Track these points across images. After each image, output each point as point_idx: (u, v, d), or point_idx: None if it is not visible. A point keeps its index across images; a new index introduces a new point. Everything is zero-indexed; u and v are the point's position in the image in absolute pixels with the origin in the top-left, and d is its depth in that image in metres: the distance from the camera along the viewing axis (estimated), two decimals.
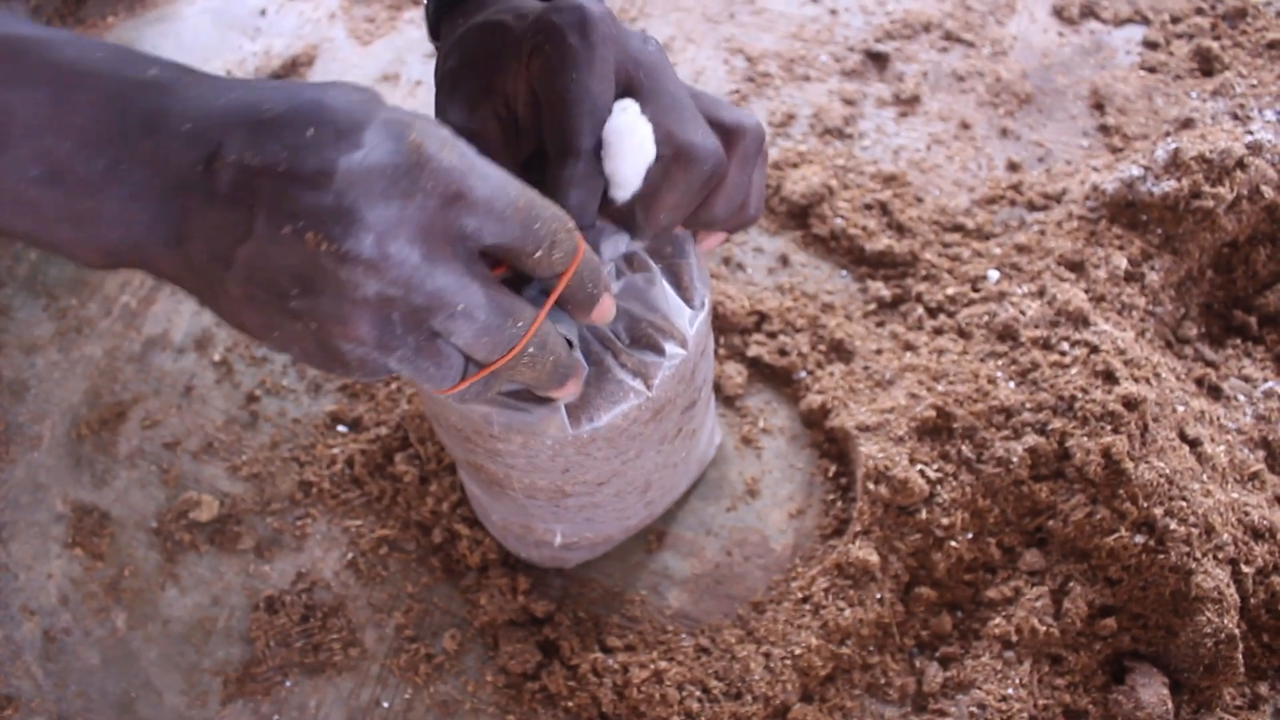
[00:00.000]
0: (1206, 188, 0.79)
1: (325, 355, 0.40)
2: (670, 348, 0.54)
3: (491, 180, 0.39)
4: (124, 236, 0.38)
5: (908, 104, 0.94)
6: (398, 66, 1.00)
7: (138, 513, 0.79)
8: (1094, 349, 0.74)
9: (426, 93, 0.99)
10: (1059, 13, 0.99)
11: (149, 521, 0.79)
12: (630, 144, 0.46)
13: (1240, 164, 0.79)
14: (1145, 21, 0.98)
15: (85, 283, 0.89)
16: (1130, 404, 0.71)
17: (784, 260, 0.87)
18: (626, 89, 0.48)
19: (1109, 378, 0.73)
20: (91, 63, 0.37)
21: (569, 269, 0.44)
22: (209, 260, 0.38)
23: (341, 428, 0.81)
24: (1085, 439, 0.71)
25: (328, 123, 0.36)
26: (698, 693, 0.69)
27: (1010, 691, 0.69)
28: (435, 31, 0.57)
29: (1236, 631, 0.67)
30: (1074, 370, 0.74)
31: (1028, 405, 0.74)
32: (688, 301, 0.56)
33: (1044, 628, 0.69)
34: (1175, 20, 0.98)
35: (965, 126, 0.93)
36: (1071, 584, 0.71)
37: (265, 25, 1.05)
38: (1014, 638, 0.70)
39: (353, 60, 1.01)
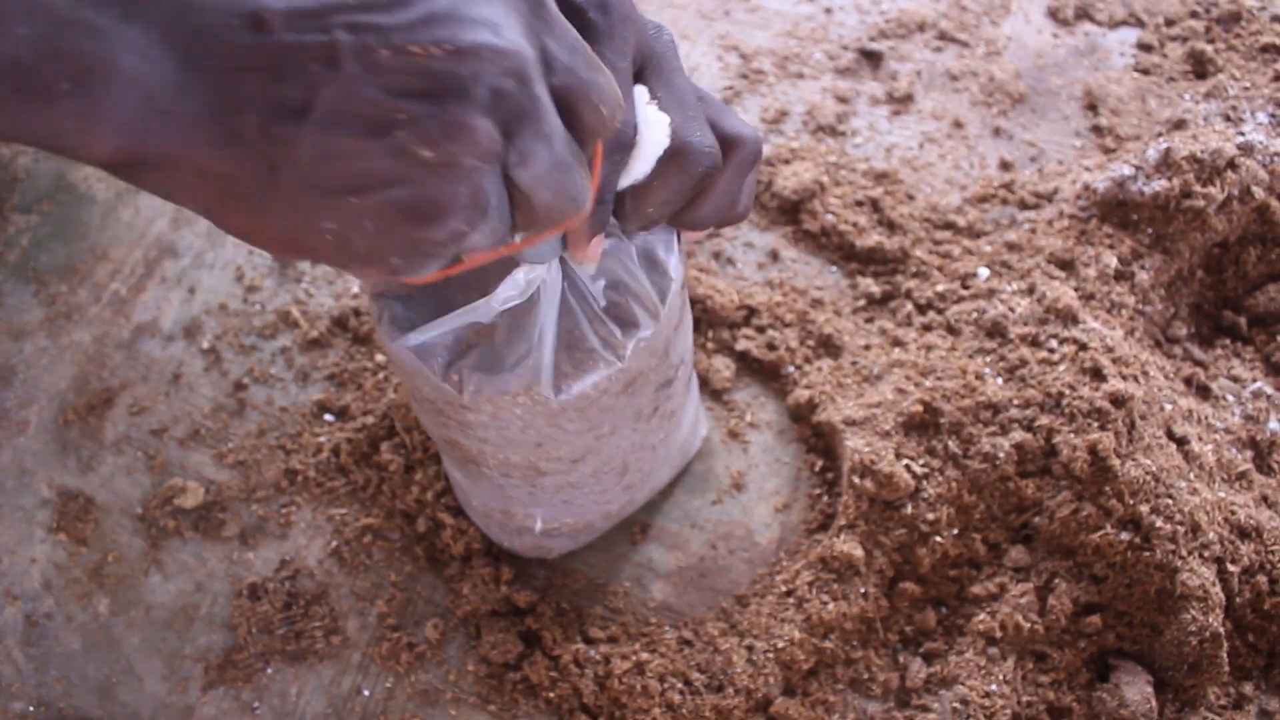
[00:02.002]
0: (1197, 188, 0.79)
1: (425, 205, 0.36)
2: (643, 319, 0.54)
3: (568, 29, 0.39)
4: (141, 111, 0.33)
5: (901, 102, 0.95)
6: None
7: (123, 499, 0.79)
8: (1082, 346, 0.74)
9: None
10: (1054, 14, 0.99)
11: (134, 508, 0.78)
12: (653, 136, 0.47)
13: (1231, 164, 0.79)
14: (1140, 24, 0.98)
15: (75, 269, 0.89)
16: (1118, 401, 0.71)
17: (774, 255, 0.87)
18: (637, 75, 0.48)
19: (1097, 375, 0.73)
20: None
21: (611, 135, 0.43)
22: (265, 126, 0.34)
23: (328, 416, 0.81)
24: (1072, 435, 0.71)
25: None
26: (679, 685, 0.69)
27: (994, 688, 0.68)
28: None
29: (1221, 630, 0.67)
30: (1062, 367, 0.74)
31: (1015, 401, 0.73)
32: (661, 274, 0.56)
33: (1028, 624, 0.69)
34: (1170, 23, 0.98)
35: (958, 125, 0.93)
36: (1057, 581, 0.70)
37: None
38: (998, 634, 0.70)
39: None
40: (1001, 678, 0.69)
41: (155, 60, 0.32)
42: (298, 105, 0.33)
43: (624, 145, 0.47)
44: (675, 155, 0.48)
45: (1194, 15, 0.97)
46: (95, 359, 0.85)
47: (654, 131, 0.47)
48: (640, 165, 0.47)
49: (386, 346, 0.56)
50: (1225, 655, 0.67)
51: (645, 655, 0.71)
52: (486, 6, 0.35)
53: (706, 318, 0.83)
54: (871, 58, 0.97)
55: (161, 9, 0.32)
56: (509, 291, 0.52)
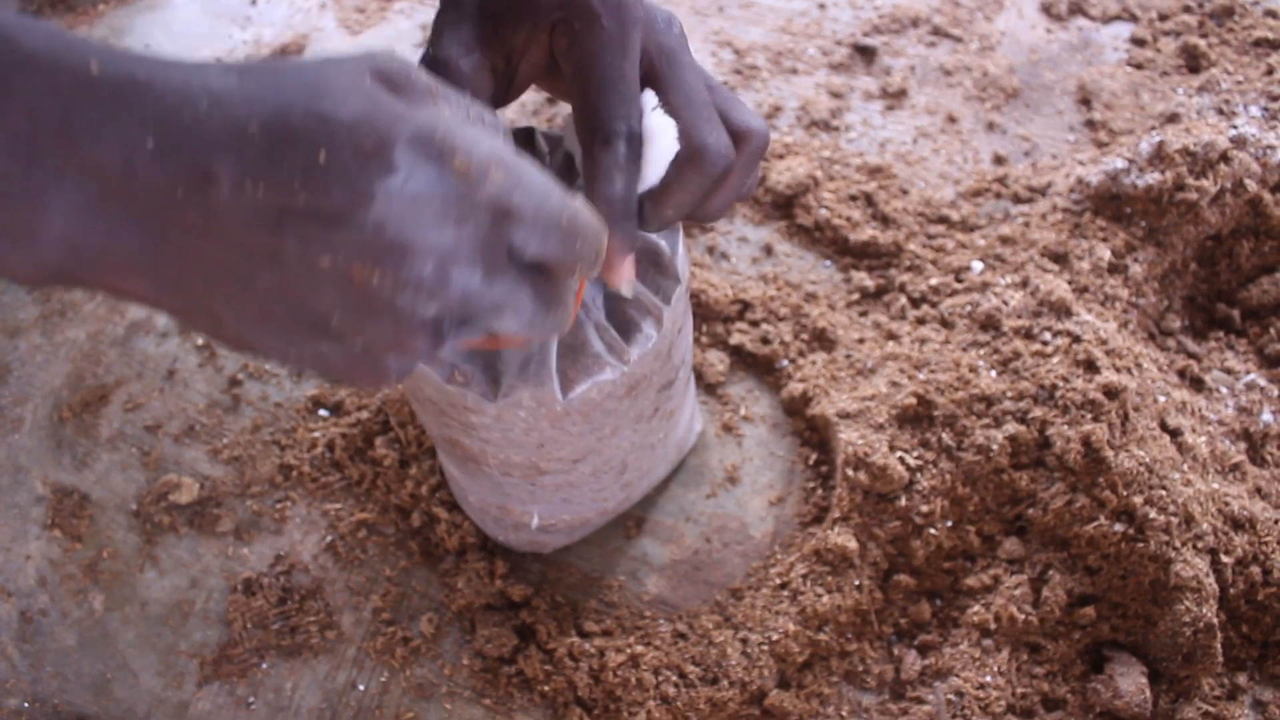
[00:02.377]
0: (1190, 180, 0.79)
1: (363, 370, 0.37)
2: (647, 324, 0.54)
3: (537, 193, 0.37)
4: (69, 257, 0.33)
5: (895, 98, 0.95)
6: None
7: (118, 495, 0.79)
8: (1076, 339, 0.74)
9: None
10: (1047, 9, 1.00)
11: (129, 504, 0.78)
12: (660, 145, 0.47)
13: (1224, 157, 0.80)
14: (1133, 19, 0.98)
15: None
16: (1111, 393, 0.71)
17: (768, 250, 0.87)
18: (647, 75, 0.48)
19: (1090, 367, 0.73)
20: (22, 54, 0.31)
21: (594, 271, 0.43)
22: (207, 287, 0.34)
23: (323, 412, 0.81)
24: (1066, 427, 0.71)
25: (343, 143, 0.32)
26: (674, 678, 0.69)
27: (988, 679, 0.68)
28: None
29: (1215, 621, 0.67)
30: (1055, 359, 0.74)
31: (1009, 394, 0.74)
32: (668, 276, 0.56)
33: (1023, 616, 0.69)
34: (1163, 18, 0.98)
35: (952, 120, 0.93)
36: (1051, 572, 0.70)
37: (256, 14, 1.05)
38: (993, 626, 0.70)
39: (342, 50, 1.01)
40: (996, 669, 0.69)
41: (89, 219, 0.32)
42: (237, 281, 0.34)
43: (634, 156, 0.47)
44: (692, 158, 0.48)
45: (1187, 10, 0.98)
46: (90, 356, 0.85)
47: (662, 137, 0.47)
48: (653, 171, 0.47)
49: None
50: (1219, 646, 0.67)
51: (640, 648, 0.71)
52: (440, 233, 0.34)
53: (701, 312, 0.83)
54: (865, 53, 0.97)
55: (101, 163, 0.31)
56: None
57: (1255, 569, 0.70)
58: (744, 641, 0.70)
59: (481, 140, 0.35)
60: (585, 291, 0.54)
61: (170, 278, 0.34)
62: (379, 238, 0.33)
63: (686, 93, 0.48)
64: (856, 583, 0.71)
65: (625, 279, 0.49)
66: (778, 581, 0.73)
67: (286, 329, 0.35)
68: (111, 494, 0.79)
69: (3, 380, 0.84)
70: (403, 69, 0.36)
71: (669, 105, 0.47)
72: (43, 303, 0.87)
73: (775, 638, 0.70)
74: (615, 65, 0.45)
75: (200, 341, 0.85)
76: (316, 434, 0.80)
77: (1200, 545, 0.68)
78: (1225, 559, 0.69)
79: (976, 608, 0.70)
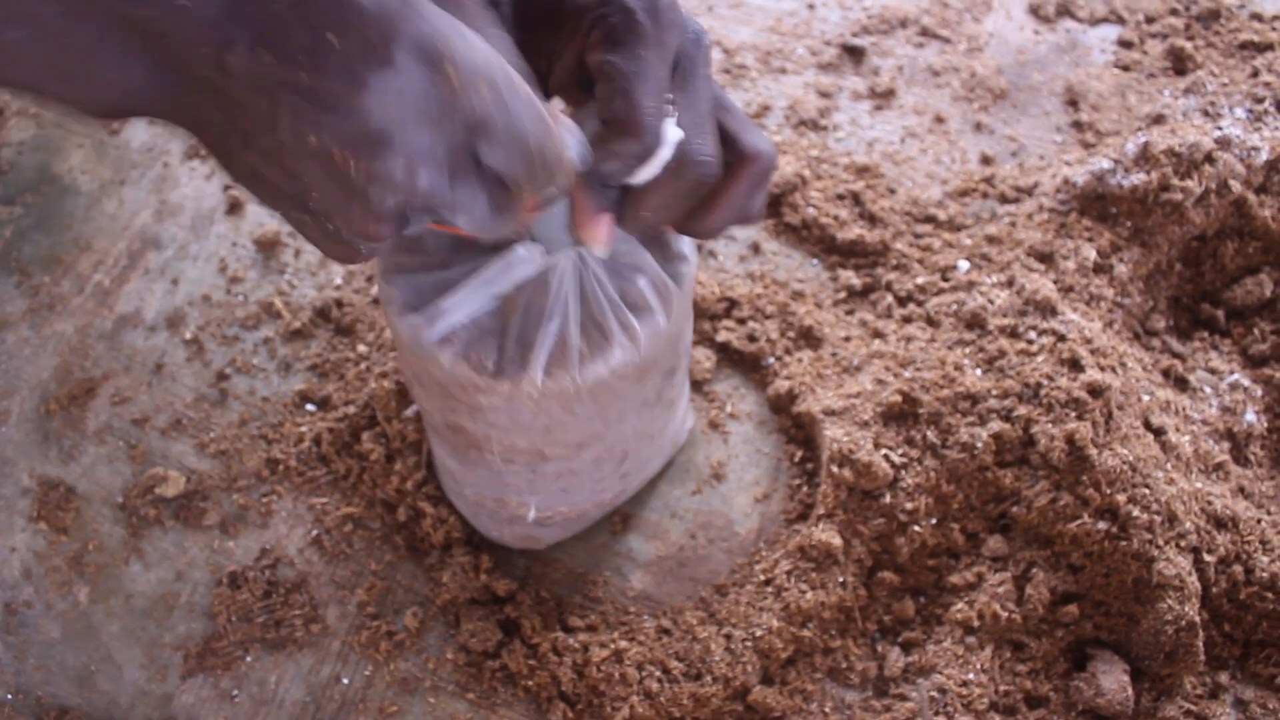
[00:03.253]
0: (1175, 181, 0.79)
1: (336, 249, 0.40)
2: (658, 306, 0.55)
3: (514, 117, 0.39)
4: (124, 96, 0.37)
5: (883, 98, 0.95)
6: None
7: (104, 488, 0.79)
8: (1061, 338, 0.75)
9: None
10: (1035, 11, 1.00)
11: (115, 497, 0.78)
12: (660, 153, 0.48)
13: (1209, 158, 0.80)
14: (1120, 21, 0.99)
15: (59, 260, 0.89)
16: (1095, 391, 0.71)
17: (755, 248, 0.87)
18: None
19: (1075, 365, 0.73)
20: None
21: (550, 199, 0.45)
22: (223, 134, 0.37)
23: (310, 406, 0.81)
24: (1050, 425, 0.71)
25: (353, 30, 0.34)
26: (658, 673, 0.69)
27: (971, 677, 0.69)
28: None
29: (1197, 619, 0.67)
30: (1040, 358, 0.74)
31: (994, 392, 0.74)
32: (678, 260, 0.56)
33: (1006, 614, 0.70)
34: (1150, 20, 0.98)
35: (940, 120, 0.94)
36: (1034, 570, 0.71)
37: None
38: (976, 623, 0.70)
39: None
40: (979, 667, 0.69)
41: (132, 66, 0.36)
42: (242, 136, 0.37)
43: (643, 156, 0.47)
44: (675, 164, 0.48)
45: (1174, 13, 0.98)
46: (78, 349, 0.85)
47: (665, 147, 0.48)
48: (646, 170, 0.48)
49: (397, 328, 0.56)
50: (1201, 644, 0.67)
51: (624, 644, 0.71)
52: (418, 133, 0.36)
53: None
54: (854, 53, 0.98)
55: (139, 19, 0.35)
56: (519, 265, 0.52)
57: (1238, 568, 0.70)
58: (728, 637, 0.70)
59: (475, 55, 0.37)
60: (601, 272, 0.55)
61: (198, 120, 0.38)
62: (362, 127, 0.35)
63: (688, 100, 0.48)
64: (840, 579, 0.71)
65: (598, 240, 0.50)
66: (762, 578, 0.73)
67: (275, 192, 0.39)
68: (97, 487, 0.79)
69: None
70: None
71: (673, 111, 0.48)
72: (31, 296, 0.87)
73: (759, 634, 0.70)
74: (647, 60, 0.46)
75: (188, 336, 0.85)
76: (303, 428, 0.80)
77: (1183, 544, 0.69)
78: (1208, 558, 0.69)
79: (960, 605, 0.71)
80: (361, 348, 0.83)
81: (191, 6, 0.34)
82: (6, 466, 0.80)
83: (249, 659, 0.72)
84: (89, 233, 0.90)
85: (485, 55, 0.38)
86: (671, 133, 0.47)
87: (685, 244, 0.57)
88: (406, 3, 0.36)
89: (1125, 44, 0.97)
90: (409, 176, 0.36)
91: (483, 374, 0.54)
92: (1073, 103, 0.94)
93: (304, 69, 0.34)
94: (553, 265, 0.54)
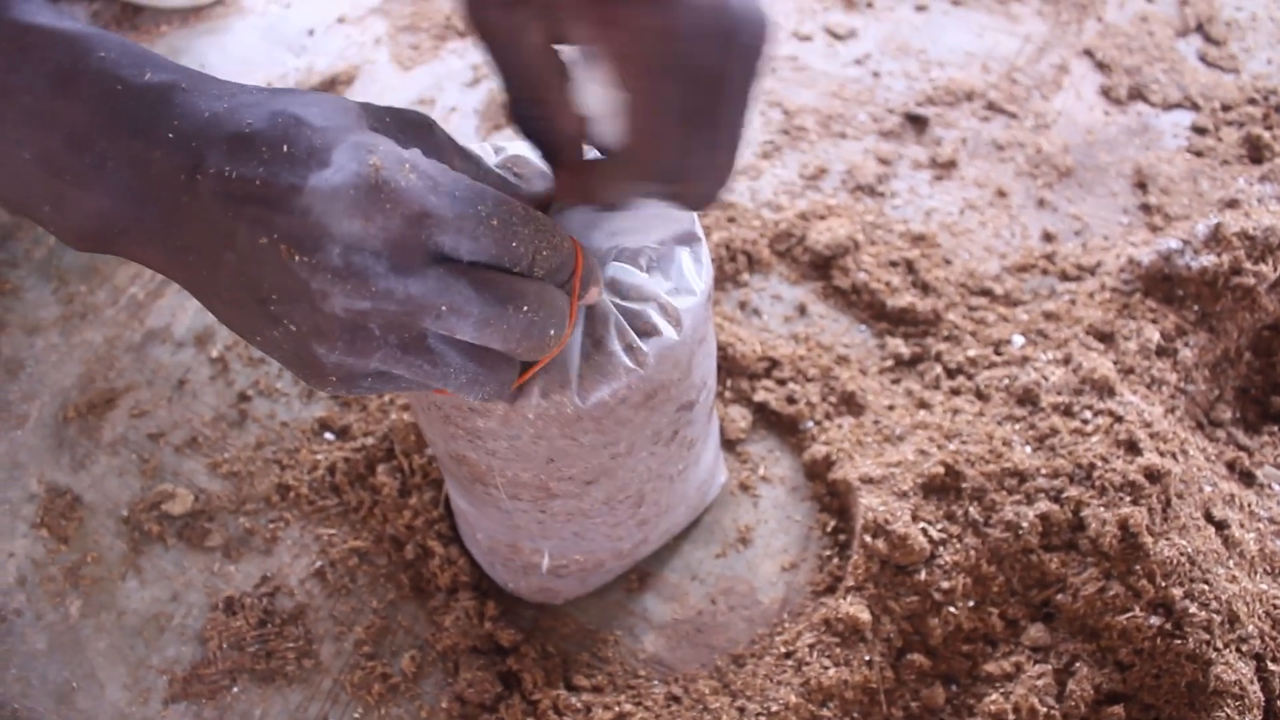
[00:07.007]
0: (1248, 265, 0.75)
1: (303, 362, 0.41)
2: (665, 327, 0.52)
3: (459, 199, 0.39)
4: (104, 227, 0.40)
5: (944, 168, 0.92)
6: (435, 93, 1.01)
7: (110, 500, 0.77)
8: (1118, 419, 0.70)
9: (460, 119, 0.98)
10: (1106, 93, 0.97)
11: (120, 510, 0.76)
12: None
13: None
14: (1195, 107, 0.96)
15: (97, 270, 0.88)
16: (1153, 476, 0.66)
17: (802, 310, 0.84)
18: None
19: (1132, 448, 0.68)
20: (94, 61, 0.39)
21: (577, 272, 0.44)
22: (197, 260, 0.40)
23: (328, 434, 0.79)
24: (1102, 509, 0.66)
25: (303, 139, 0.38)
26: None
27: None
28: None
29: None
30: (1095, 439, 0.70)
31: (1043, 470, 0.69)
32: (686, 283, 0.54)
33: (1045, 709, 0.64)
34: (1226, 108, 0.95)
35: (1001, 194, 0.91)
36: (1078, 664, 0.65)
37: (312, 44, 1.06)
38: (1011, 717, 0.64)
39: (391, 83, 1.01)
40: None
41: (119, 196, 0.39)
42: (211, 257, 0.39)
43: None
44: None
45: (1252, 101, 0.95)
46: (104, 359, 0.83)
47: None
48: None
49: None
50: None
51: (629, 708, 0.66)
52: (350, 223, 0.37)
53: (726, 365, 0.80)
54: (917, 122, 0.96)
55: (133, 152, 0.38)
56: None
57: None
58: (741, 710, 0.66)
59: (408, 154, 0.39)
60: (605, 292, 0.52)
61: (175, 251, 0.40)
62: (303, 222, 0.37)
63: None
64: (867, 658, 0.66)
65: (592, 299, 0.47)
66: (783, 650, 0.68)
67: (246, 311, 0.40)
68: (104, 498, 0.77)
69: (14, 376, 0.83)
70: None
71: None
72: (65, 303, 0.86)
73: (775, 709, 0.65)
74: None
75: (215, 354, 0.83)
76: (319, 456, 0.78)
77: (1245, 649, 0.63)
78: (1273, 666, 0.63)
79: (995, 696, 0.65)
80: None
81: (174, 137, 0.38)
82: (17, 470, 0.78)
83: (235, 689, 0.69)
84: None
85: (415, 152, 0.39)
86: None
87: (700, 269, 0.55)
88: (357, 120, 0.39)
89: (1199, 130, 0.94)
90: (345, 265, 0.37)
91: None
92: (1141, 185, 0.90)
93: (259, 177, 0.37)
94: None
